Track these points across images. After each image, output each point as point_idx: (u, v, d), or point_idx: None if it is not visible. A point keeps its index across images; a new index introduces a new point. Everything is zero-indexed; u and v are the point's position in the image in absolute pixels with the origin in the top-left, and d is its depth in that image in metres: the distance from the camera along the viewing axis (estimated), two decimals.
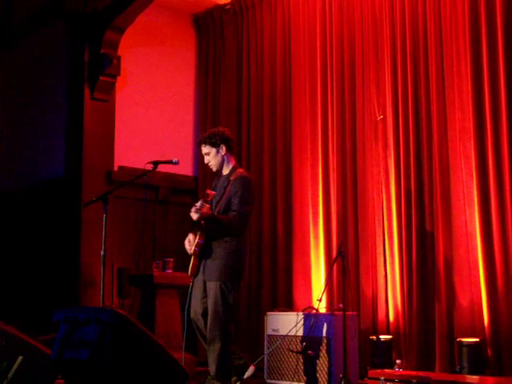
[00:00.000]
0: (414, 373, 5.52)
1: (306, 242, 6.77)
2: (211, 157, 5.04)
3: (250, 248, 7.16)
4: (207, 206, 4.83)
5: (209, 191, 5.00)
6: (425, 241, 6.00)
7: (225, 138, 5.03)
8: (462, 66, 5.86)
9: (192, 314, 4.94)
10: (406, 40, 6.25)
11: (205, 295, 4.88)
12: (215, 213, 4.88)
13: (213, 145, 5.01)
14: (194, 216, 4.78)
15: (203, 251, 4.86)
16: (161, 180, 7.41)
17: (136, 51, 7.54)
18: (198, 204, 4.79)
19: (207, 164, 5.12)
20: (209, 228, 4.81)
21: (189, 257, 4.93)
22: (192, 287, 4.94)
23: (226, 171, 5.08)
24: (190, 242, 4.91)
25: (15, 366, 3.92)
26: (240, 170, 5.09)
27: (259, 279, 7.09)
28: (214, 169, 5.10)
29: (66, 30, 7.26)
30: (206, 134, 5.15)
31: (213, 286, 4.81)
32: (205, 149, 5.05)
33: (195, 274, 4.91)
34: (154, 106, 7.74)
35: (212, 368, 4.81)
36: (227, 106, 7.73)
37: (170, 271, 6.41)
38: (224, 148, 5.02)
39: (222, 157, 5.04)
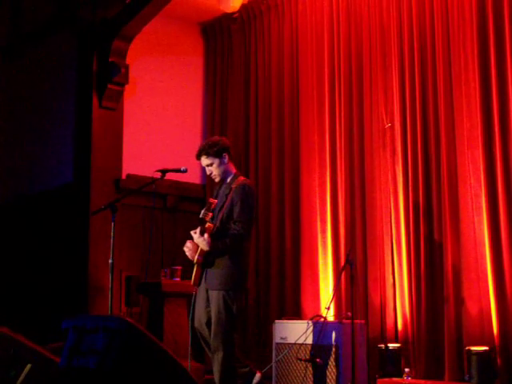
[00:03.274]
0: (422, 381, 5.51)
1: (314, 249, 6.76)
2: (214, 167, 4.94)
3: (257, 256, 7.18)
4: (210, 214, 4.80)
5: (211, 200, 4.96)
6: (433, 249, 5.98)
7: (226, 147, 4.96)
8: (470, 73, 5.86)
9: (196, 324, 4.88)
10: (414, 48, 6.26)
11: (208, 304, 4.81)
12: (218, 221, 4.82)
13: (216, 155, 4.90)
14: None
15: (206, 260, 4.79)
16: (169, 188, 7.42)
17: (144, 60, 7.57)
18: (202, 212, 4.78)
19: (210, 175, 5.03)
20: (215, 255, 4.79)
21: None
22: (195, 296, 4.89)
23: (227, 179, 5.02)
24: (189, 248, 4.82)
25: (23, 375, 3.92)
26: (241, 178, 5.01)
27: (267, 287, 7.08)
28: (218, 179, 5.01)
29: (74, 38, 7.29)
30: (204, 144, 4.99)
31: (215, 295, 4.75)
32: (207, 160, 4.93)
33: (198, 283, 4.85)
34: (162, 114, 7.75)
35: (216, 377, 4.76)
36: (235, 114, 7.74)
37: (178, 279, 6.40)
38: (227, 157, 4.96)
39: (226, 166, 4.97)
